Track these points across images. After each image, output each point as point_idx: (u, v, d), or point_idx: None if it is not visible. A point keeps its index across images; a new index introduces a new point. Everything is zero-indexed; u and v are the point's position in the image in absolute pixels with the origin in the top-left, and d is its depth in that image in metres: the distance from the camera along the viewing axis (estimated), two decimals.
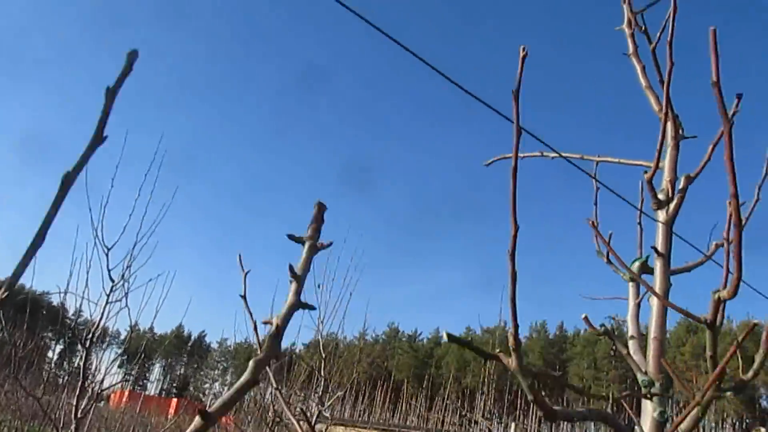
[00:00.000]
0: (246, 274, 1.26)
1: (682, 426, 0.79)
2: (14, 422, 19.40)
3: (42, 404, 4.89)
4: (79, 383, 4.42)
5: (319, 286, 6.51)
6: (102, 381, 5.63)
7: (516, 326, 0.70)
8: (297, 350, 10.77)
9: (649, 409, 1.03)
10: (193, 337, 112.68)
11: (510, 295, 0.70)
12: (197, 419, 0.56)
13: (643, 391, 1.03)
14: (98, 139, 0.66)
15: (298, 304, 0.57)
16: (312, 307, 0.57)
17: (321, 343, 6.39)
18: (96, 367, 6.28)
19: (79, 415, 4.06)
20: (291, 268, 0.59)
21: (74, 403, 4.17)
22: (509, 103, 0.99)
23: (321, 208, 0.62)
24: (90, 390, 4.62)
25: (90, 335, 4.48)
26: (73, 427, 4.06)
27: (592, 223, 0.91)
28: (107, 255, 4.51)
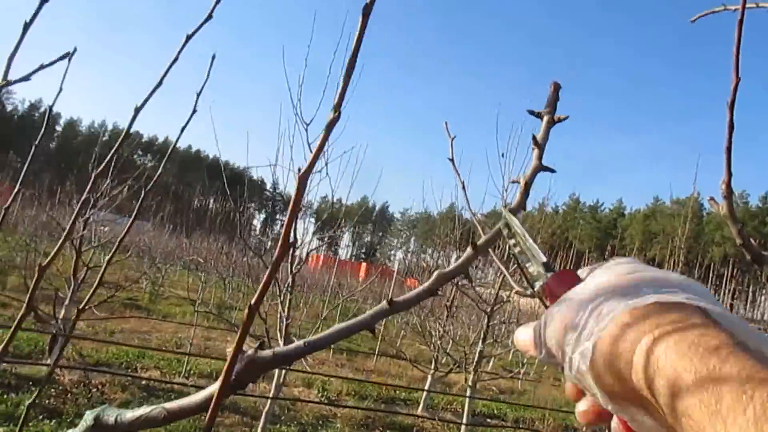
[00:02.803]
0: (453, 139, 1.39)
1: None
2: (238, 280, 22.46)
3: (265, 262, 5.67)
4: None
5: (503, 155, 6.55)
6: (304, 245, 6.32)
7: (729, 174, 0.74)
8: (478, 218, 11.01)
9: None
10: (377, 208, 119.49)
11: (726, 144, 0.73)
12: (384, 304, 0.66)
13: None
14: None
15: (540, 167, 0.66)
16: (552, 170, 0.67)
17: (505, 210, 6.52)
18: (303, 233, 7.01)
19: (293, 271, 4.72)
20: (534, 138, 0.68)
21: (289, 261, 4.82)
22: None
23: (557, 86, 0.69)
24: (298, 252, 5.23)
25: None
26: (289, 280, 4.72)
27: None
28: (306, 130, 4.95)
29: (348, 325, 0.57)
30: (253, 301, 0.52)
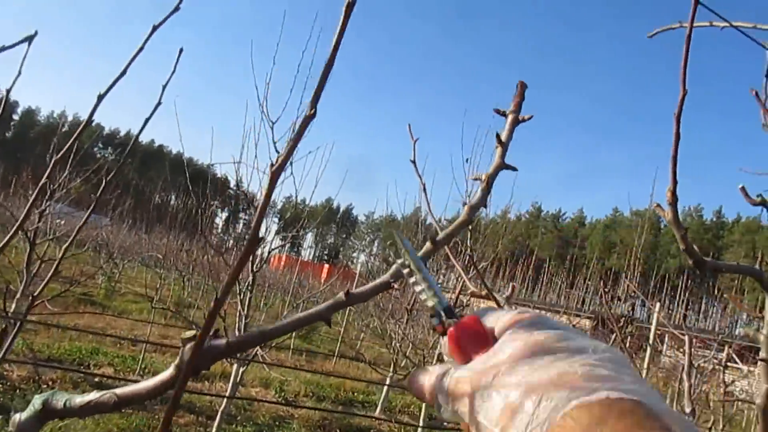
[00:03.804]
0: (416, 141, 1.41)
1: None
2: (198, 278, 22.13)
3: (226, 261, 5.62)
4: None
5: (467, 161, 6.62)
6: (266, 244, 6.28)
7: (675, 182, 0.77)
8: (444, 224, 11.10)
9: None
10: (341, 210, 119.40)
11: (672, 153, 0.77)
12: (341, 296, 0.66)
13: None
14: None
15: (503, 165, 0.68)
16: (514, 168, 0.68)
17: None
18: (266, 232, 6.95)
19: (254, 269, 4.69)
20: (498, 136, 0.70)
21: (250, 259, 4.79)
22: None
23: (523, 86, 0.72)
24: (259, 251, 5.20)
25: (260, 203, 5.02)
26: (250, 279, 4.69)
27: (756, 93, 0.91)
28: (272, 128, 4.92)
29: (305, 315, 0.58)
30: (219, 294, 0.53)
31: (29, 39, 0.78)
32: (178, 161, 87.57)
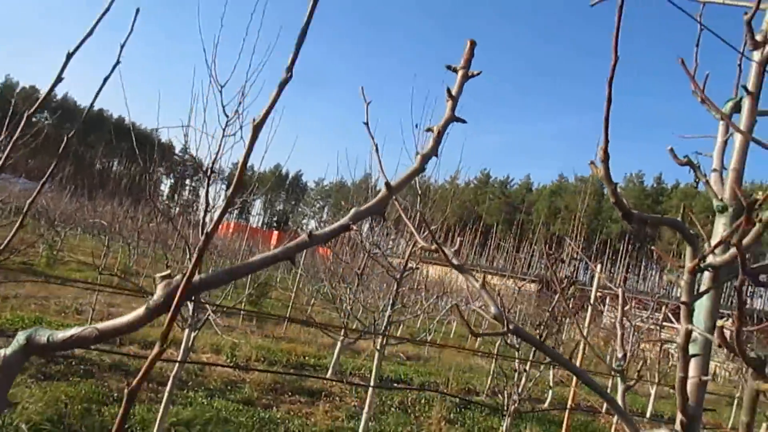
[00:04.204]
0: (368, 104, 1.45)
1: (746, 239, 0.94)
2: (144, 246, 21.68)
3: (176, 226, 5.55)
4: (203, 209, 4.99)
5: (416, 126, 6.64)
6: (216, 209, 6.22)
7: (606, 141, 0.85)
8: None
9: (719, 229, 1.18)
10: (290, 176, 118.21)
11: (605, 115, 0.84)
12: (304, 236, 0.71)
13: (717, 214, 1.17)
14: None
15: (452, 118, 0.74)
16: (463, 121, 0.74)
17: (417, 182, 6.65)
18: (215, 197, 6.89)
19: (208, 231, 4.66)
20: (448, 90, 0.75)
21: (200, 226, 4.77)
22: None
23: (473, 44, 0.77)
24: (209, 217, 5.15)
25: (210, 167, 4.97)
26: (200, 245, 4.66)
27: (682, 61, 0.99)
28: (221, 92, 4.84)
29: (270, 254, 0.62)
30: (209, 229, 0.57)
31: None
32: (120, 126, 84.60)
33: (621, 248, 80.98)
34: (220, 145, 4.90)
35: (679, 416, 1.12)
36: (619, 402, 1.43)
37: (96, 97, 0.98)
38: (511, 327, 1.13)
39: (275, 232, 62.78)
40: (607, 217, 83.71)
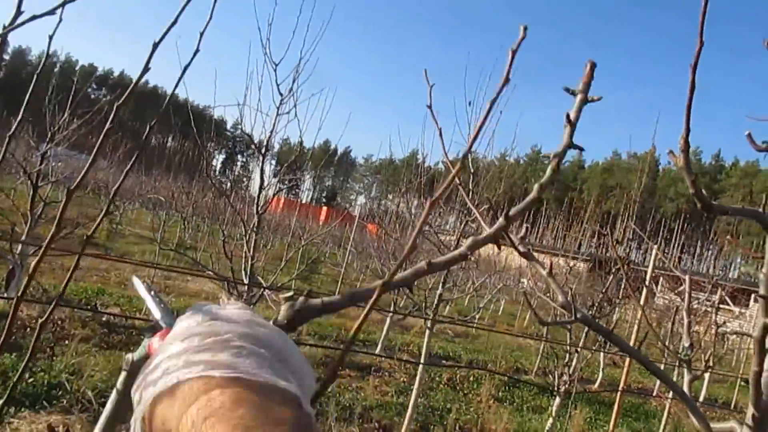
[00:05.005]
0: (431, 87, 1.44)
1: None
2: (198, 219, 22.20)
3: (230, 201, 5.66)
4: (257, 186, 5.06)
5: (470, 104, 6.53)
6: (270, 187, 6.31)
7: (687, 131, 0.82)
8: (441, 168, 11.11)
9: None
10: (339, 152, 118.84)
11: (687, 103, 0.81)
12: (423, 264, 0.71)
13: None
14: None
15: (570, 145, 0.74)
16: (581, 148, 0.74)
17: (470, 159, 6.57)
18: (269, 175, 6.97)
19: (260, 212, 4.75)
20: (567, 115, 0.74)
21: (256, 202, 4.85)
22: None
23: (592, 65, 0.75)
24: (264, 193, 5.23)
25: (265, 146, 5.04)
26: (255, 220, 4.76)
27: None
28: (275, 70, 4.88)
29: (387, 280, 0.64)
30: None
31: None
32: (173, 103, 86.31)
33: (676, 228, 78.67)
34: (274, 123, 4.96)
35: (750, 410, 1.09)
36: (686, 392, 1.41)
37: (176, 86, 1.00)
38: (579, 316, 1.12)
39: (324, 208, 63.40)
40: (662, 196, 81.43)
